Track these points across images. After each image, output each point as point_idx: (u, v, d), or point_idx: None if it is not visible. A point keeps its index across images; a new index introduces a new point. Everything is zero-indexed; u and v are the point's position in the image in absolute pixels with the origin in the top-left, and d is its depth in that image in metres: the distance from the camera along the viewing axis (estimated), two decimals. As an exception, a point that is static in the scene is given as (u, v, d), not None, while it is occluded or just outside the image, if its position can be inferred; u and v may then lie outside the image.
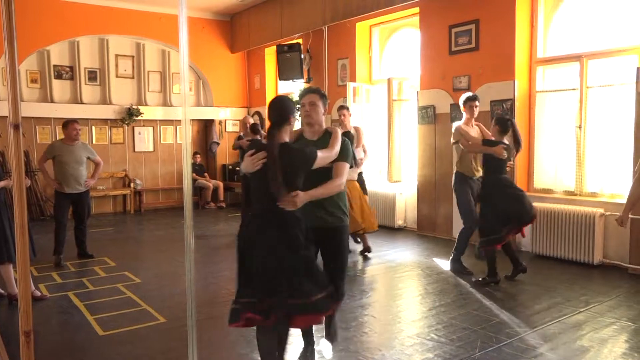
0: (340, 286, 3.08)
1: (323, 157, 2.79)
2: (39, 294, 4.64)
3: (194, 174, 10.11)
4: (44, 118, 9.16)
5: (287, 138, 2.80)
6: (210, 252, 6.59)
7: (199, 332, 3.78)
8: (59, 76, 9.38)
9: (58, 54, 9.34)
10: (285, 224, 2.66)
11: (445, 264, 5.62)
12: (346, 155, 2.93)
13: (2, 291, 4.59)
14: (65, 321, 4.14)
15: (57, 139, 8.28)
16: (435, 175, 7.19)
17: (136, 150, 10.18)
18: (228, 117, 10.96)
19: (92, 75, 9.70)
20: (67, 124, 5.88)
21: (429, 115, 7.19)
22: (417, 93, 7.43)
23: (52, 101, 9.24)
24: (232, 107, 11.00)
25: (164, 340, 3.71)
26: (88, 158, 6.02)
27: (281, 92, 10.64)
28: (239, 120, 9.87)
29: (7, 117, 2.34)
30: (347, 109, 6.07)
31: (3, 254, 4.24)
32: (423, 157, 7.38)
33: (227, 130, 11.03)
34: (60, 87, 9.40)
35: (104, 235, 7.60)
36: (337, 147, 2.87)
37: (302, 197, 2.67)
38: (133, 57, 10.09)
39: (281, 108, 2.78)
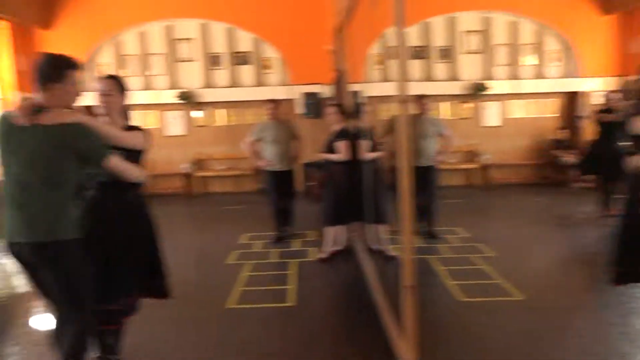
0: None
1: None
2: (392, 254, 5.14)
3: (558, 150, 9.61)
4: (389, 96, 9.86)
5: None
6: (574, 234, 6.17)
7: (566, 318, 3.58)
8: (415, 56, 10.10)
9: (414, 35, 10.02)
10: None
11: None
12: None
13: (376, 247, 5.24)
14: (425, 283, 4.46)
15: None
16: None
17: (483, 124, 10.23)
18: (594, 88, 9.81)
19: (443, 54, 10.13)
20: (416, 98, 6.09)
21: None
22: None
23: (390, 80, 9.95)
24: (600, 77, 9.80)
25: (522, 319, 3.62)
26: (438, 133, 5.93)
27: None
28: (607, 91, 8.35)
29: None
30: None
31: (379, 216, 4.89)
32: None
33: (592, 102, 9.89)
34: (414, 66, 10.09)
35: (455, 207, 7.84)
36: None
37: None
38: (482, 31, 10.08)
39: None
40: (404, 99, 2.52)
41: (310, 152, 7.45)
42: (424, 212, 5.87)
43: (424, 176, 5.67)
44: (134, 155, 2.77)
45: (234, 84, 10.02)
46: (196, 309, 4.06)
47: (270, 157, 6.01)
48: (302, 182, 7.43)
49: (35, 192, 2.35)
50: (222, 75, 10.02)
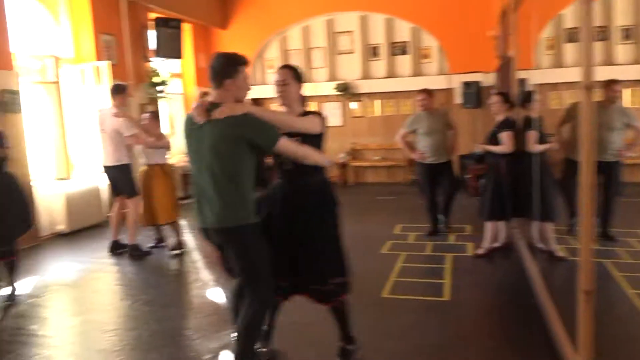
0: None
1: None
2: (560, 254, 4.72)
3: None
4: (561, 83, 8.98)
5: None
6: None
7: None
8: (571, 40, 9.05)
9: (572, 17, 8.99)
10: None
11: None
12: None
13: (541, 246, 4.85)
14: (600, 288, 4.01)
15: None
16: None
17: (675, 114, 8.89)
18: None
19: (626, 34, 8.98)
20: (605, 85, 5.48)
21: None
22: None
23: (563, 66, 9.05)
24: None
25: None
26: (627, 124, 5.24)
27: None
28: None
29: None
30: None
31: (546, 212, 4.54)
32: None
33: None
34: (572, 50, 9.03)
35: (636, 207, 6.86)
36: None
37: None
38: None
39: None
40: (588, 85, 2.28)
41: (468, 143, 7.17)
42: (601, 212, 5.28)
43: (607, 172, 5.10)
44: (313, 140, 2.85)
45: (391, 74, 10.02)
46: (352, 296, 4.15)
47: (424, 149, 5.90)
48: (458, 174, 7.18)
49: (221, 184, 2.58)
50: (379, 66, 10.08)
